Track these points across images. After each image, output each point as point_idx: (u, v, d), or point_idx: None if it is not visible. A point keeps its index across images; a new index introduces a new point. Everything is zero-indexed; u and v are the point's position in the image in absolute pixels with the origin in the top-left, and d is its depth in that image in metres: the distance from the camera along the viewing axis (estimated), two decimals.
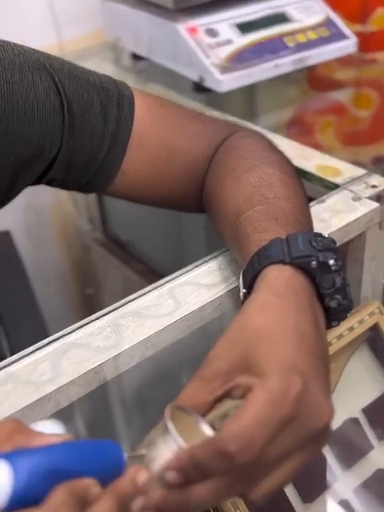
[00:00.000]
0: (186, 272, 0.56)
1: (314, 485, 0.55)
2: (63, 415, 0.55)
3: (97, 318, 0.52)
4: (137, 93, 0.59)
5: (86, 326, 0.51)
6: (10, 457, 0.31)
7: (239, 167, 0.54)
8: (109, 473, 0.34)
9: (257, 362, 0.36)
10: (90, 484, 0.32)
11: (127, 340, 0.50)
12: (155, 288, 0.55)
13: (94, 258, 1.15)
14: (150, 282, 0.55)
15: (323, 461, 0.56)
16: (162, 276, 0.55)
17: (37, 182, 0.58)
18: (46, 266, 1.19)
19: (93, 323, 0.52)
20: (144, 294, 0.54)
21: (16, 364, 0.48)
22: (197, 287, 0.54)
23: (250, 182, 0.52)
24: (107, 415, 0.73)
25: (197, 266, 0.56)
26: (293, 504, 0.54)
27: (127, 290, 0.55)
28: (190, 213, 0.64)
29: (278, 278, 0.42)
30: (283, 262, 0.43)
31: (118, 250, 1.08)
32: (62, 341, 0.50)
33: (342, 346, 0.57)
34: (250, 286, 0.44)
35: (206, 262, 0.57)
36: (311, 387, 0.36)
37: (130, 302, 0.53)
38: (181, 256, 0.95)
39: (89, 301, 1.22)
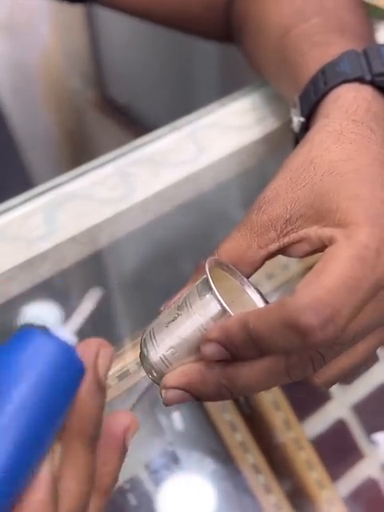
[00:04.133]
0: (211, 112, 0.45)
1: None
2: (53, 288, 0.47)
3: (100, 165, 0.42)
4: None
5: (87, 174, 0.41)
6: None
7: None
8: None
9: (336, 208, 0.27)
10: None
11: (139, 191, 0.40)
12: (172, 130, 0.44)
13: (87, 123, 1.02)
14: None
15: None
16: None
17: None
18: (33, 134, 1.06)
19: (95, 171, 0.42)
20: (158, 138, 0.44)
21: (1, 217, 0.38)
22: (225, 130, 0.44)
23: None
24: (103, 291, 0.65)
25: (224, 105, 0.45)
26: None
27: None
28: (209, 39, 0.52)
29: (356, 100, 0.31)
30: (361, 81, 0.32)
31: (116, 113, 0.95)
32: (58, 191, 0.40)
33: None
34: (309, 114, 0.34)
35: (236, 99, 0.46)
36: None
37: (141, 146, 0.43)
38: None
39: None
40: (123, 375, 0.40)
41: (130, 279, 0.60)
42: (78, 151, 1.09)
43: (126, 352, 0.41)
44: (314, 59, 0.35)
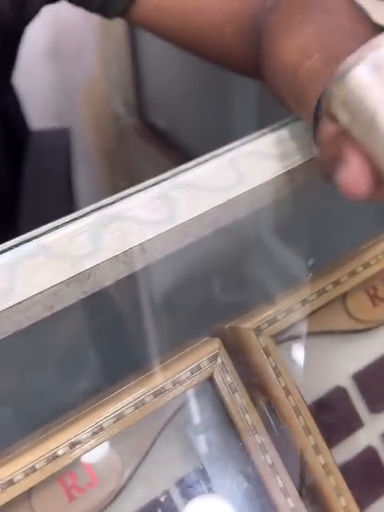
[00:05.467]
0: (251, 140, 0.47)
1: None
2: (91, 303, 0.48)
3: (143, 189, 0.44)
4: None
5: (131, 197, 0.43)
6: None
7: (294, 17, 0.45)
8: None
9: None
10: None
11: (181, 214, 0.42)
12: (213, 157, 0.46)
13: (128, 147, 1.05)
14: None
15: None
16: None
17: None
18: (75, 156, 1.10)
19: (139, 194, 0.43)
20: (200, 164, 0.45)
21: (49, 235, 0.40)
22: (264, 158, 0.45)
23: (306, 31, 0.43)
24: (136, 310, 0.66)
25: (264, 134, 0.47)
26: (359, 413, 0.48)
27: None
28: (239, 72, 0.54)
29: None
30: None
31: (156, 138, 0.98)
32: (103, 212, 0.42)
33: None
34: None
35: (275, 129, 0.47)
36: None
37: (183, 171, 0.45)
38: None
39: None
40: (158, 393, 0.41)
41: (164, 300, 0.61)
42: (118, 174, 1.12)
43: (159, 372, 0.42)
44: (312, 97, 0.37)
